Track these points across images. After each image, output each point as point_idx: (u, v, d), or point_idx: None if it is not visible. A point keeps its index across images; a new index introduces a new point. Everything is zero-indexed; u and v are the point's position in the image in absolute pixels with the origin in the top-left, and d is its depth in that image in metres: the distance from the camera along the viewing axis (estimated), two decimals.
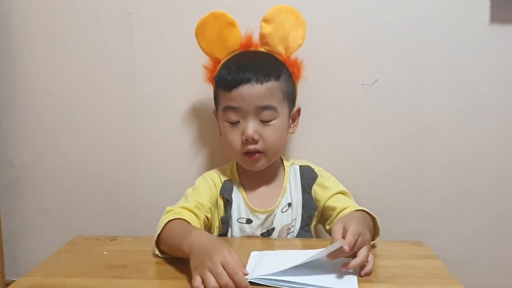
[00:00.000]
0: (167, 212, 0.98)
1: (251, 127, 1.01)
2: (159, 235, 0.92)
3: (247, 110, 1.01)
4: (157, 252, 0.93)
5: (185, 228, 0.89)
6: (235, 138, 1.03)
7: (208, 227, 1.06)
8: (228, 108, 1.02)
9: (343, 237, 0.81)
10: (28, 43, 1.25)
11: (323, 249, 0.80)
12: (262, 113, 1.01)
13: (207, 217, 1.03)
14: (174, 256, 0.90)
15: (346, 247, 0.78)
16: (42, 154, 1.29)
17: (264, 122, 1.02)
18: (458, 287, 0.79)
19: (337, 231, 0.82)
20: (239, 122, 1.03)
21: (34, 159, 1.30)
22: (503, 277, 1.24)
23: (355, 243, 0.80)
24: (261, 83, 1.00)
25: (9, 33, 1.25)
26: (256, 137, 1.01)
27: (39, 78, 1.27)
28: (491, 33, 1.16)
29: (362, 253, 0.81)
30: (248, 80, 0.99)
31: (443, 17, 1.17)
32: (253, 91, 0.99)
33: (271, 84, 1.01)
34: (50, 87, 1.27)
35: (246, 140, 1.01)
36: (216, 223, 1.09)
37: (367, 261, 0.83)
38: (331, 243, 0.81)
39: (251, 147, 1.02)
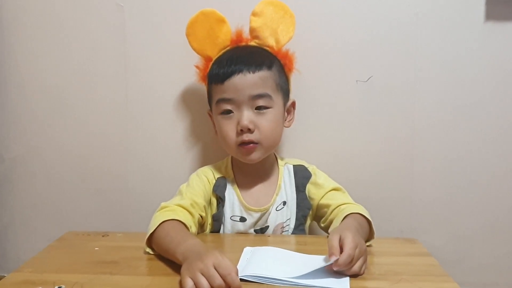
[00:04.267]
0: (162, 209, 0.97)
1: (246, 116, 1.00)
2: (152, 233, 0.90)
3: (241, 101, 1.00)
4: (148, 250, 0.92)
5: (180, 234, 0.87)
6: (229, 129, 1.02)
7: (201, 225, 1.05)
8: (222, 101, 1.02)
9: (341, 247, 0.80)
10: (19, 37, 1.24)
11: (319, 261, 0.81)
12: (257, 101, 1.00)
13: (201, 216, 1.02)
14: (165, 257, 0.88)
15: (341, 263, 0.78)
16: (33, 149, 1.28)
17: (259, 110, 1.01)
18: (451, 285, 0.79)
19: (334, 241, 0.81)
20: (232, 112, 1.02)
21: (25, 154, 1.28)
22: (495, 275, 1.24)
23: (352, 258, 0.79)
24: (253, 72, 1.00)
25: (0, 26, 1.23)
26: (251, 126, 1.00)
27: (30, 72, 1.25)
28: (486, 31, 1.16)
29: (356, 266, 0.80)
30: (240, 71, 0.99)
31: (438, 14, 1.16)
32: (246, 80, 0.99)
33: (263, 73, 1.01)
34: (41, 81, 1.25)
35: (241, 130, 1.00)
36: (209, 220, 1.07)
37: (361, 272, 0.82)
38: (328, 251, 0.81)
39: (246, 137, 1.01)
